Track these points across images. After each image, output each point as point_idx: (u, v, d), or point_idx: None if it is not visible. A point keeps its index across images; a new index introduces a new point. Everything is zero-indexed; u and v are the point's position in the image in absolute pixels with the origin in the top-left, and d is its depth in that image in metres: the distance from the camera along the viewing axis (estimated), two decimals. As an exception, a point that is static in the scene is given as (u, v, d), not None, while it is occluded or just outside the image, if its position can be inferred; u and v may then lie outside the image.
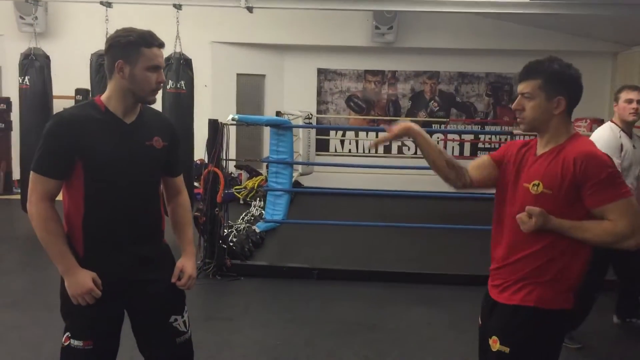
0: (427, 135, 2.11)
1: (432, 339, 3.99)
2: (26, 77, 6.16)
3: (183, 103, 6.29)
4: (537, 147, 2.05)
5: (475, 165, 2.22)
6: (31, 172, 2.03)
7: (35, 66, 6.19)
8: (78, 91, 8.38)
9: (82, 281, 2.02)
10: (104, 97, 2.11)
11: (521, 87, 2.00)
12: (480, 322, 2.21)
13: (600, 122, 9.25)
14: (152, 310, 2.18)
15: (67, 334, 2.10)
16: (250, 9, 6.57)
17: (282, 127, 6.36)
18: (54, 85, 6.49)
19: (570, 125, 2.03)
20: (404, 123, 2.10)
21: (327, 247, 6.22)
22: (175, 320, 2.21)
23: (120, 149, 2.07)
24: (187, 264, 2.23)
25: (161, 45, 2.10)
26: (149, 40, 2.06)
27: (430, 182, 8.88)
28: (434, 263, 5.72)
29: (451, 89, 10.09)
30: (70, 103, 8.45)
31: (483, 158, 2.22)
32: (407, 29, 9.30)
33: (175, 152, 2.27)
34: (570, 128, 2.02)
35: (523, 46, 9.18)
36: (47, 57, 6.32)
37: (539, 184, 1.97)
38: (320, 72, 10.14)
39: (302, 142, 8.79)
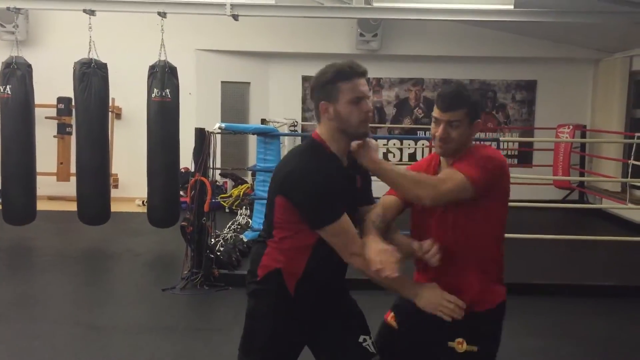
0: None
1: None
2: (7, 86, 6.05)
3: (168, 111, 6.24)
4: (440, 164, 2.17)
5: (386, 206, 2.17)
6: (328, 227, 1.93)
7: (17, 75, 6.08)
8: (60, 100, 8.26)
9: (430, 295, 2.01)
10: (325, 139, 2.03)
11: (448, 116, 2.07)
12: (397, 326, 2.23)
13: (583, 128, 9.40)
14: (343, 331, 2.13)
15: None
16: (235, 17, 6.54)
17: (269, 136, 6.33)
18: (35, 93, 6.39)
19: None
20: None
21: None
22: (365, 340, 2.11)
23: (348, 193, 2.04)
24: None
25: (362, 74, 1.99)
26: (347, 72, 1.97)
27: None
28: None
29: (436, 95, 10.11)
30: (52, 112, 8.35)
31: (388, 199, 2.18)
32: (392, 37, 9.34)
33: (370, 187, 2.23)
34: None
35: (506, 53, 9.28)
36: (29, 66, 6.22)
37: None
38: (305, 79, 10.11)
39: (288, 150, 8.76)
